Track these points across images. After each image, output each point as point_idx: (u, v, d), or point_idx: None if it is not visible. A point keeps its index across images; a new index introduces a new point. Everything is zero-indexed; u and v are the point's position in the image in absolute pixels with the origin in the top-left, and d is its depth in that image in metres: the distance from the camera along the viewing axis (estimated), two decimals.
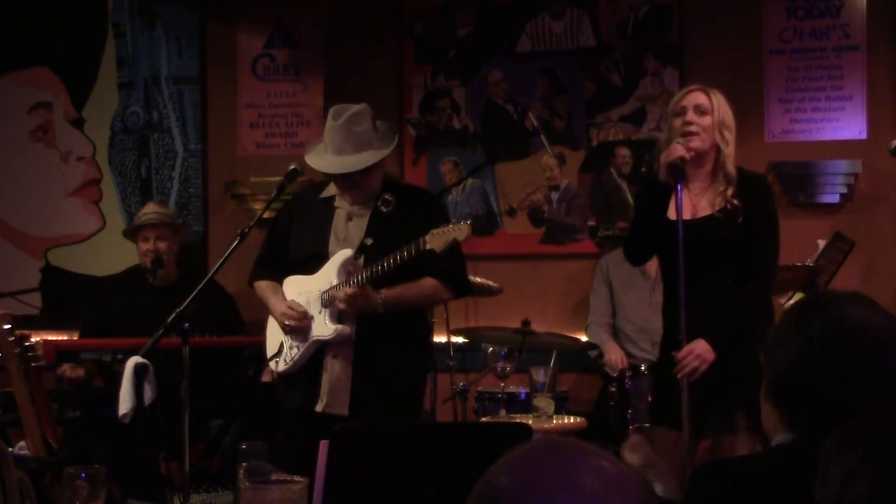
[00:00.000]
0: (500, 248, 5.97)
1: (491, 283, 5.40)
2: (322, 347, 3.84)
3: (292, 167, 3.78)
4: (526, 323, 5.13)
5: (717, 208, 3.61)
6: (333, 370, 3.82)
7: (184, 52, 6.26)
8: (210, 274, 3.64)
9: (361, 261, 3.79)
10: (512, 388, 4.93)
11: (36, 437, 3.10)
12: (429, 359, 4.13)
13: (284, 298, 3.91)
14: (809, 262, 5.14)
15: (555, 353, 5.26)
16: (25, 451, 3.10)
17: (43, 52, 6.29)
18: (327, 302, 3.80)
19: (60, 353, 4.42)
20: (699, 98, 3.62)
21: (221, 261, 3.61)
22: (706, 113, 3.63)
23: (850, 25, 5.61)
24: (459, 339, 5.51)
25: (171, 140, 6.27)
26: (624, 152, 5.86)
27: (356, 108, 3.82)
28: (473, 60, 6.05)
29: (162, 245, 4.98)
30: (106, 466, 2.50)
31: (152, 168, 6.28)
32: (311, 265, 3.87)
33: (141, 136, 6.29)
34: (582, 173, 5.91)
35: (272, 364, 3.91)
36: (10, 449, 2.85)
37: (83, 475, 2.44)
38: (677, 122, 3.63)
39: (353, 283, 3.70)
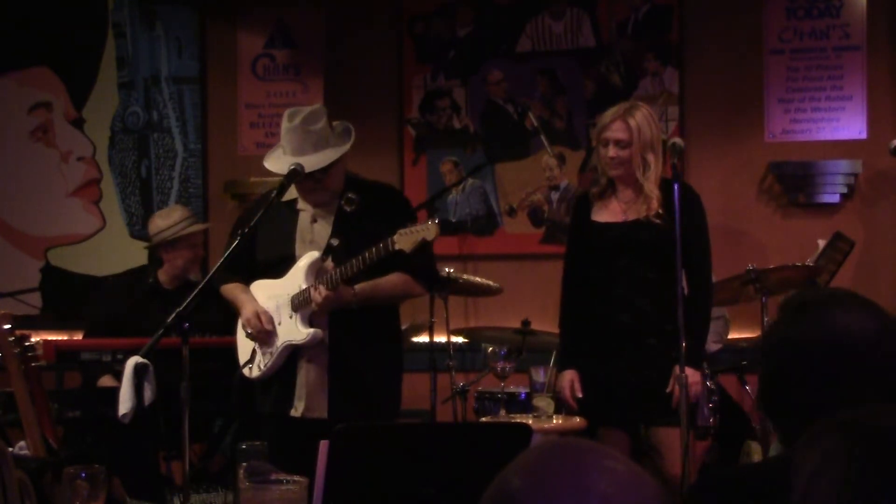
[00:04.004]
0: (500, 248, 5.97)
1: (491, 283, 5.40)
2: (295, 351, 3.81)
3: (292, 167, 3.76)
4: (526, 323, 5.13)
5: (643, 216, 3.88)
6: (309, 374, 3.80)
7: (184, 52, 6.26)
8: (210, 274, 3.64)
9: (329, 262, 3.77)
10: (512, 388, 4.93)
11: (36, 437, 3.09)
12: (402, 354, 4.11)
13: (253, 299, 3.88)
14: (809, 262, 5.15)
15: (555, 353, 5.25)
16: (25, 451, 3.09)
17: (43, 52, 6.29)
18: (298, 305, 3.77)
19: (60, 353, 4.42)
20: (619, 133, 3.86)
21: (221, 260, 3.61)
22: (626, 146, 3.86)
23: (850, 25, 5.61)
24: (459, 339, 5.51)
25: (171, 140, 6.27)
26: None
27: (311, 107, 3.81)
28: (473, 60, 6.05)
29: (200, 252, 4.94)
30: (106, 466, 2.50)
31: (152, 168, 6.28)
32: (278, 269, 3.85)
33: (141, 136, 6.29)
34: (582, 173, 5.91)
35: (246, 370, 3.87)
36: (10, 449, 2.85)
37: (83, 475, 2.44)
38: (602, 151, 3.93)
39: (327, 282, 3.67)
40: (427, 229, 3.53)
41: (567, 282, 4.08)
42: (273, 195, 3.75)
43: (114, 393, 3.53)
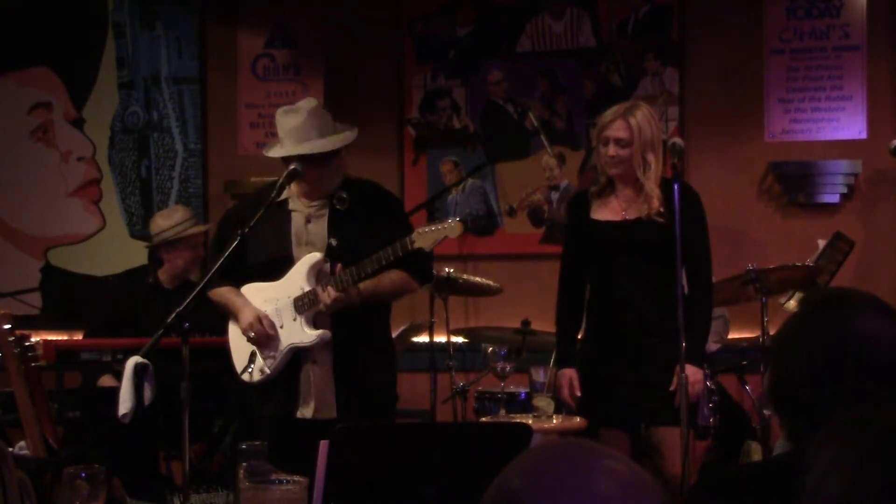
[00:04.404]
0: (500, 248, 5.97)
1: (491, 283, 5.40)
2: (298, 353, 3.80)
3: (292, 167, 3.75)
4: (526, 323, 5.13)
5: (644, 215, 3.87)
6: (315, 375, 3.78)
7: (184, 52, 6.26)
8: (210, 274, 3.64)
9: (328, 264, 3.76)
10: (512, 388, 4.93)
11: (36, 437, 3.09)
12: (395, 352, 4.13)
13: (249, 302, 3.83)
14: (809, 262, 5.15)
15: (555, 353, 5.25)
16: (25, 451, 3.10)
17: (43, 52, 6.30)
18: (303, 307, 3.75)
19: (60, 353, 4.42)
20: (620, 132, 3.85)
21: (221, 260, 3.61)
22: (627, 145, 3.85)
23: (850, 25, 5.61)
24: (459, 339, 5.51)
25: (171, 140, 6.27)
26: None
27: (311, 102, 3.82)
28: (473, 60, 6.05)
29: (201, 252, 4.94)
30: (106, 466, 2.50)
31: (152, 168, 6.28)
32: (273, 271, 3.82)
33: (141, 136, 6.29)
34: (582, 173, 5.91)
35: (245, 376, 3.82)
36: (10, 449, 2.85)
37: (83, 475, 2.44)
38: (602, 150, 3.92)
39: (337, 283, 3.66)
40: (451, 227, 3.53)
41: (564, 280, 4.07)
42: (273, 195, 3.74)
43: (114, 393, 3.53)
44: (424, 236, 3.53)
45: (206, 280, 3.62)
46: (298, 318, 3.77)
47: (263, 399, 3.88)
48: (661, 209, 3.83)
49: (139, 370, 3.38)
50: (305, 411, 3.79)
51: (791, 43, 5.69)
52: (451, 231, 3.53)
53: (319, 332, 3.75)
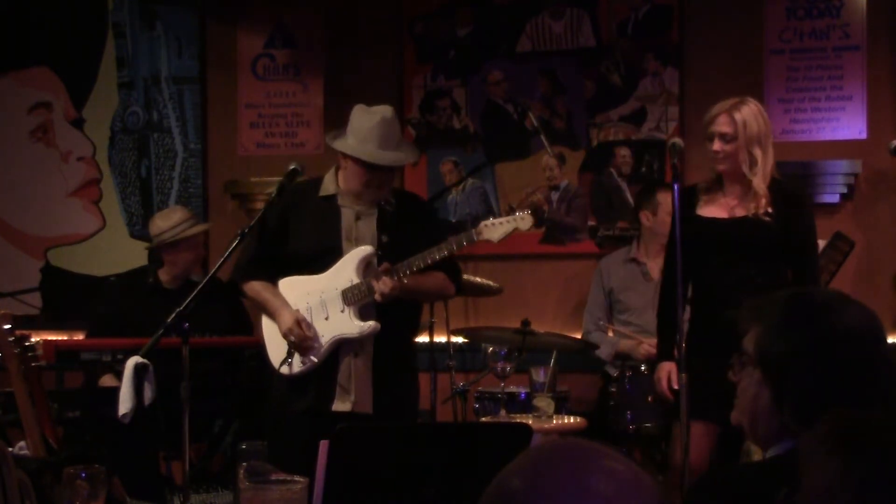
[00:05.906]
0: (500, 248, 5.93)
1: (491, 283, 5.40)
2: (338, 346, 3.80)
3: (292, 167, 3.77)
4: (526, 323, 5.12)
5: (751, 213, 3.83)
6: (357, 368, 3.80)
7: (184, 52, 6.26)
8: (210, 274, 3.64)
9: (375, 258, 3.80)
10: (512, 388, 4.93)
11: (36, 437, 3.09)
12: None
13: (286, 303, 3.86)
14: None
15: (555, 353, 5.25)
16: (25, 451, 3.10)
17: (43, 52, 6.30)
18: (352, 299, 3.76)
19: (60, 353, 4.42)
20: (724, 126, 3.83)
21: (221, 261, 3.61)
22: (731, 140, 3.82)
23: (850, 25, 5.61)
24: (459, 339, 5.51)
25: (171, 140, 6.27)
26: (624, 152, 5.86)
27: (389, 108, 3.85)
28: (473, 60, 6.05)
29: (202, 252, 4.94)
30: (106, 466, 2.50)
31: (152, 168, 6.28)
32: (317, 264, 3.84)
33: (141, 136, 6.29)
34: (582, 173, 5.91)
35: (284, 369, 3.81)
36: (10, 449, 2.85)
37: (83, 475, 2.44)
38: (708, 145, 3.90)
39: (393, 273, 3.68)
40: (522, 220, 3.54)
41: (667, 275, 4.01)
42: (274, 195, 3.75)
43: (114, 393, 3.54)
44: (493, 229, 3.54)
45: (206, 279, 3.62)
46: (347, 309, 3.78)
47: (297, 394, 3.86)
48: (770, 209, 3.80)
49: (139, 370, 3.39)
50: (342, 405, 3.79)
51: (791, 43, 5.69)
52: (521, 223, 3.53)
53: (371, 323, 3.76)
